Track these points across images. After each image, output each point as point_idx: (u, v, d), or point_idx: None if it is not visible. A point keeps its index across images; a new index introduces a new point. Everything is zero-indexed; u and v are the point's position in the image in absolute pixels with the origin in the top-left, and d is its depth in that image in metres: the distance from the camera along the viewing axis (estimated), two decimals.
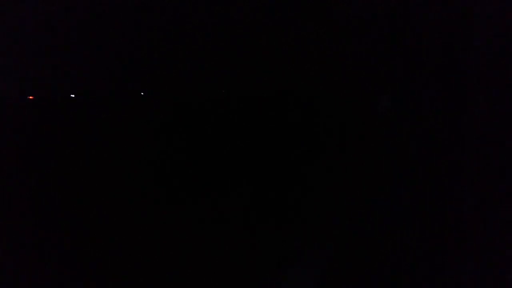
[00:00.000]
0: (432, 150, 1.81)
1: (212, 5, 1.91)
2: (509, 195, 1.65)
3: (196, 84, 1.96)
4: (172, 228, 1.88)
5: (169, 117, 1.97)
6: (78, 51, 1.91)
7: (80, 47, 1.91)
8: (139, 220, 1.87)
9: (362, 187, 1.89)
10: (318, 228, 1.90)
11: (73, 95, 1.87)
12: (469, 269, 1.71)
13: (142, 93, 1.91)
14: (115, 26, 1.91)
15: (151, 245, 1.86)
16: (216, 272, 1.83)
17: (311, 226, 1.90)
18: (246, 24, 1.90)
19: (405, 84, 1.87)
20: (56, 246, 1.84)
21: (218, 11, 1.92)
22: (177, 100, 1.97)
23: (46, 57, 1.90)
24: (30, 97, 1.84)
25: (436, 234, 1.79)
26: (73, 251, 1.84)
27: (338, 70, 1.91)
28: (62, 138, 1.91)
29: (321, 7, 1.88)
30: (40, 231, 1.85)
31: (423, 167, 1.83)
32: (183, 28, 1.93)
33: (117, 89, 1.96)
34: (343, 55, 1.91)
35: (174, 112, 1.97)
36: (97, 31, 1.91)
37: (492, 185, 1.69)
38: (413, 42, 1.83)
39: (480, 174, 1.72)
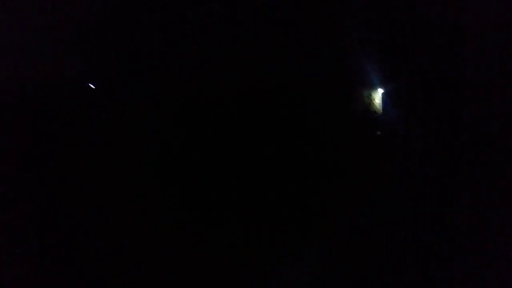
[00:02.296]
0: (430, 149, 1.82)
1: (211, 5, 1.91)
2: (508, 194, 1.66)
3: (189, 83, 1.95)
4: (168, 226, 1.88)
5: (167, 116, 1.97)
6: (77, 49, 1.92)
7: (79, 46, 1.91)
8: (138, 220, 1.88)
9: (358, 186, 1.89)
10: (314, 228, 1.90)
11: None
12: (467, 269, 1.71)
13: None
14: (114, 26, 1.91)
15: (149, 244, 1.86)
16: (215, 271, 1.84)
17: (307, 225, 1.90)
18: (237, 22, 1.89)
19: (400, 84, 1.87)
20: (56, 243, 1.85)
21: (217, 10, 1.92)
22: (175, 99, 1.96)
23: (46, 54, 1.90)
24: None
25: (432, 233, 1.80)
26: (73, 250, 1.85)
27: (335, 68, 1.91)
28: (61, 137, 1.92)
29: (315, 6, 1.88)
30: (39, 229, 1.86)
31: (420, 167, 1.83)
32: (182, 28, 1.93)
33: (116, 88, 1.96)
34: (340, 53, 1.91)
35: (172, 111, 1.97)
36: (96, 30, 1.91)
37: (491, 184, 1.70)
38: (410, 41, 1.83)
39: (478, 174, 1.72)
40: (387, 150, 1.88)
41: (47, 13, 1.86)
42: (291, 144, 1.91)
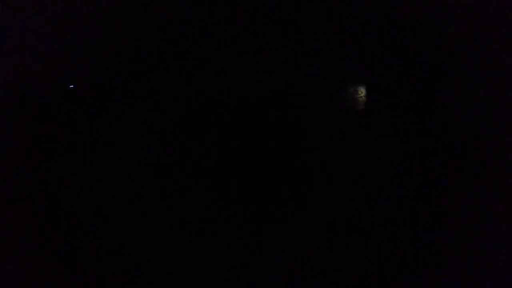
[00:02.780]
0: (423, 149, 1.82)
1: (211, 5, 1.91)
2: (508, 194, 1.66)
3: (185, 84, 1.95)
4: (166, 226, 1.88)
5: (167, 116, 1.96)
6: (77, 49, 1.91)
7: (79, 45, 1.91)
8: (136, 221, 1.88)
9: (350, 185, 1.89)
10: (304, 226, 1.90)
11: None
12: (467, 269, 1.72)
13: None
14: (114, 25, 1.91)
15: (147, 244, 1.87)
16: (214, 270, 1.84)
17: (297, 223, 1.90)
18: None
19: (390, 79, 1.86)
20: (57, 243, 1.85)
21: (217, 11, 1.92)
22: (170, 100, 1.96)
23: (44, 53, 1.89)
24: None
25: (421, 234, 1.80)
26: (73, 250, 1.85)
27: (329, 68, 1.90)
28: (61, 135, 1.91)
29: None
30: (32, 230, 1.86)
31: (412, 165, 1.83)
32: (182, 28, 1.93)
33: (115, 87, 1.96)
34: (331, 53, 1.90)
35: (167, 111, 1.97)
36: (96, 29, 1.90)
37: (489, 183, 1.70)
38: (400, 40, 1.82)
39: (474, 172, 1.72)
40: (377, 147, 1.86)
41: (44, 13, 1.86)
42: (278, 143, 1.91)
